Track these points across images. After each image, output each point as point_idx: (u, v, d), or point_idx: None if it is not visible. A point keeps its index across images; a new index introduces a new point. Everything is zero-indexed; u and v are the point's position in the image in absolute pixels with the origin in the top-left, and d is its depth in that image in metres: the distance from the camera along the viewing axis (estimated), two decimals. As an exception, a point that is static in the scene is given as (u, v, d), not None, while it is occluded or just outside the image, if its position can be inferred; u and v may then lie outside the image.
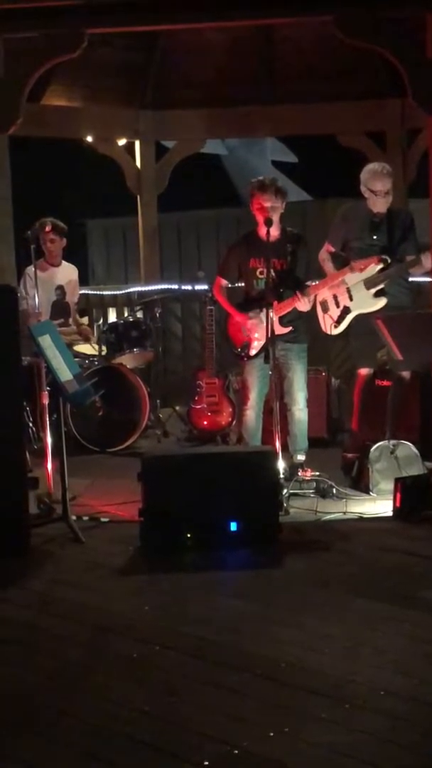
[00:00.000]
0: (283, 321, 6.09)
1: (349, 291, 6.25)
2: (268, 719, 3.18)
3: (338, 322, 6.34)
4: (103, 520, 5.61)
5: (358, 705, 3.25)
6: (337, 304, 6.32)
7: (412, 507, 5.44)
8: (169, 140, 10.76)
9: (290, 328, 6.13)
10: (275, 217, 6.01)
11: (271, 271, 5.95)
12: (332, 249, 6.48)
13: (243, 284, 6.37)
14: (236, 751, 2.97)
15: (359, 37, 7.01)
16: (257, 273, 6.19)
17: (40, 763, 2.98)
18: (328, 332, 6.46)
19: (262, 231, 6.02)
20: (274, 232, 5.99)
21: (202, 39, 9.62)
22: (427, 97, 6.93)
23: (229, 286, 6.45)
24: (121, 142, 10.23)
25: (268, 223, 5.91)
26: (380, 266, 6.10)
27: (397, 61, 7.00)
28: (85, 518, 5.59)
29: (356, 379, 6.53)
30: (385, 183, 6.20)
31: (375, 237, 6.26)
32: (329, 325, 6.41)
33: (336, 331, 6.41)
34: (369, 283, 6.16)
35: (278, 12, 7.23)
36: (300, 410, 6.26)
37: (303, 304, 6.07)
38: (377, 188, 6.20)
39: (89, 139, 10.10)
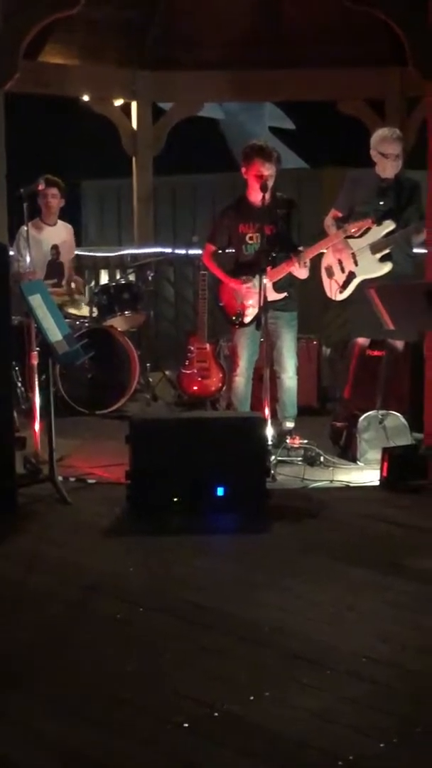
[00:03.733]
0: (276, 287, 6.06)
1: (354, 256, 6.22)
2: (249, 683, 3.19)
3: (343, 287, 6.31)
4: (89, 481, 5.60)
5: (340, 671, 3.26)
6: (342, 270, 6.29)
7: (398, 477, 5.46)
8: (167, 102, 10.65)
9: (284, 294, 6.10)
10: (270, 184, 5.98)
11: (264, 237, 5.92)
12: (339, 214, 6.44)
13: (233, 250, 6.33)
14: (216, 714, 2.99)
15: (362, 1, 6.93)
16: (247, 238, 6.15)
17: (23, 720, 2.99)
18: (333, 298, 6.44)
19: (254, 196, 5.98)
20: (266, 197, 5.95)
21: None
22: (427, 65, 6.86)
23: (219, 252, 6.40)
24: (118, 102, 10.11)
25: (265, 188, 5.87)
26: (384, 229, 6.07)
27: (399, 28, 6.93)
28: (72, 479, 5.58)
29: (353, 348, 6.49)
30: (395, 147, 6.20)
31: (382, 202, 6.23)
32: (334, 291, 6.38)
33: (341, 297, 6.38)
34: (374, 248, 6.15)
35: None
36: (289, 378, 6.26)
37: (300, 270, 6.02)
38: (388, 151, 6.18)
39: (85, 98, 9.99)
